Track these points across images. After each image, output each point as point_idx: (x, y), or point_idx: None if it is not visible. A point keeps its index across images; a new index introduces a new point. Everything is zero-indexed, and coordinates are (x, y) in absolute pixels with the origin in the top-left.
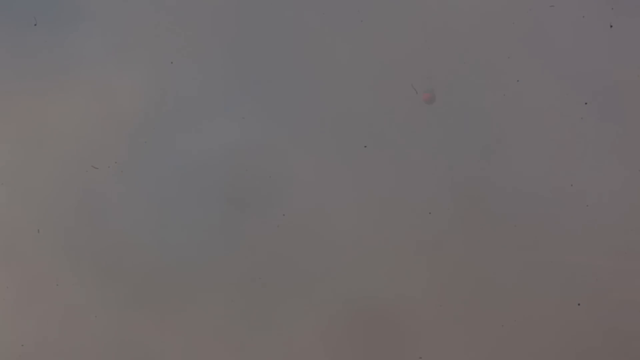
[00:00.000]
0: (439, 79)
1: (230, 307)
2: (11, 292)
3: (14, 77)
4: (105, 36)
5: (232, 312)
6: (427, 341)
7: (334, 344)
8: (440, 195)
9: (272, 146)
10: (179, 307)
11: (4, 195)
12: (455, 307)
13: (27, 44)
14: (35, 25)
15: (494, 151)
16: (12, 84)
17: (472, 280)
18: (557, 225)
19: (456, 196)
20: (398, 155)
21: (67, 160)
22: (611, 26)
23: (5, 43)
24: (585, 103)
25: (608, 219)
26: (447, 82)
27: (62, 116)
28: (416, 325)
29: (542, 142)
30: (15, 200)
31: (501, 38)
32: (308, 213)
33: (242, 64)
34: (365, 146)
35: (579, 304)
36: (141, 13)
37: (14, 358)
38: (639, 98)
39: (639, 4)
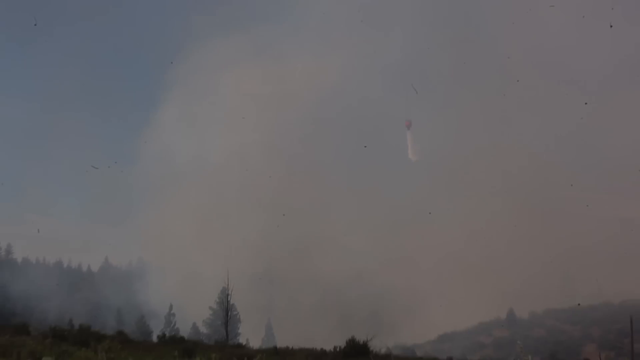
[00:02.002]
0: (439, 79)
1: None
2: None
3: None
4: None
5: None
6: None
7: (333, 333)
8: (440, 194)
9: (274, 145)
10: None
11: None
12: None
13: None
14: (35, 25)
15: (494, 150)
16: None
17: (472, 280)
18: (557, 224)
19: (456, 196)
20: (398, 155)
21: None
22: (611, 26)
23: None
24: (585, 103)
25: (608, 219)
26: (447, 82)
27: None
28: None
29: (542, 141)
30: None
31: (501, 38)
32: (308, 213)
33: None
34: (365, 146)
35: (579, 304)
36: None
37: None
38: (639, 97)
39: (639, 4)
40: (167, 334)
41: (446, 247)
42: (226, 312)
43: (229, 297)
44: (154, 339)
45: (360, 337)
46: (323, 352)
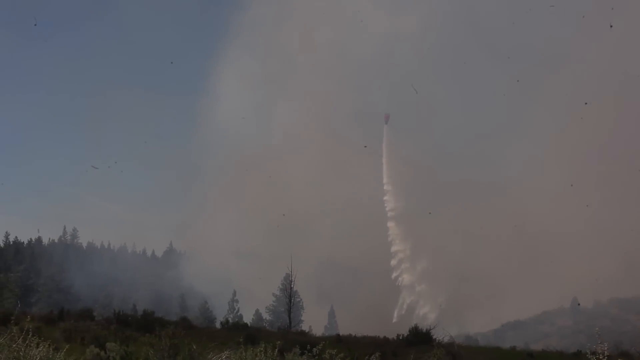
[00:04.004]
0: (439, 79)
1: None
2: None
3: None
4: None
5: None
6: None
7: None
8: (440, 195)
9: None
10: None
11: None
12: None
13: None
14: (35, 25)
15: (494, 150)
16: None
17: (471, 280)
18: (557, 224)
19: (456, 196)
20: (398, 155)
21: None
22: (611, 26)
23: None
24: (585, 103)
25: (608, 218)
26: (447, 81)
27: None
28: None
29: (542, 141)
30: None
31: (501, 38)
32: (307, 212)
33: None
34: (365, 146)
35: (579, 304)
36: None
37: None
38: (639, 97)
39: (639, 4)
40: (230, 321)
41: (510, 233)
42: (289, 299)
43: (292, 283)
44: (217, 325)
45: (423, 326)
46: (386, 340)
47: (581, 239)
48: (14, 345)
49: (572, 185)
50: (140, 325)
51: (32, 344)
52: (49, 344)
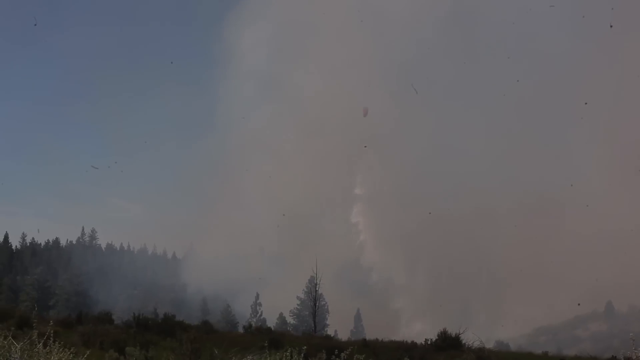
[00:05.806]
0: (440, 79)
1: None
2: None
3: None
4: None
5: None
6: None
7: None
8: (441, 194)
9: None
10: None
11: None
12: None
13: None
14: (35, 25)
15: (495, 150)
16: None
17: (568, 271)
18: (557, 224)
19: (457, 195)
20: (398, 155)
21: None
22: (611, 26)
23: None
24: (585, 103)
25: (608, 218)
26: (448, 82)
27: None
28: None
29: (542, 141)
30: None
31: (501, 38)
32: (307, 213)
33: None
34: (365, 146)
35: (579, 304)
36: None
37: None
38: (639, 97)
39: (639, 3)
40: (254, 325)
41: (544, 236)
42: (314, 302)
43: (317, 286)
44: (240, 329)
45: (452, 330)
46: (413, 345)
47: (615, 242)
48: (35, 350)
49: (572, 185)
50: (161, 329)
51: (52, 350)
52: (69, 349)
